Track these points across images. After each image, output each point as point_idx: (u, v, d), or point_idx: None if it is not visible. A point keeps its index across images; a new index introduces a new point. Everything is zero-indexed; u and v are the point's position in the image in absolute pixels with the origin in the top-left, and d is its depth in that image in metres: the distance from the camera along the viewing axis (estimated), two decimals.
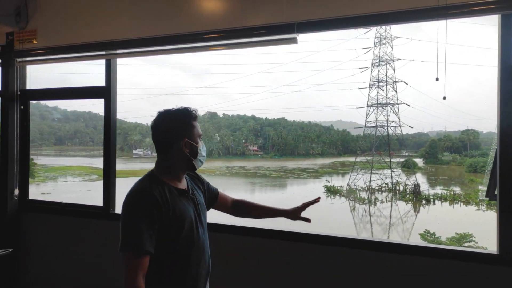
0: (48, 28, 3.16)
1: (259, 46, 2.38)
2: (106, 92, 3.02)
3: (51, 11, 3.15)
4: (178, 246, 1.50)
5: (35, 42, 3.16)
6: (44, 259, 3.24)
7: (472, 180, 27.09)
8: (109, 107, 3.04)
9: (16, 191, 3.31)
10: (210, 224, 2.35)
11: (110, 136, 3.10)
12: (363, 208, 40.83)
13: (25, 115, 3.40)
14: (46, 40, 3.14)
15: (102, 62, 2.93)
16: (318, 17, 2.19)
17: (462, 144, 34.66)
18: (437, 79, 1.97)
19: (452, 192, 26.22)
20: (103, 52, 2.95)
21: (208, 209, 1.81)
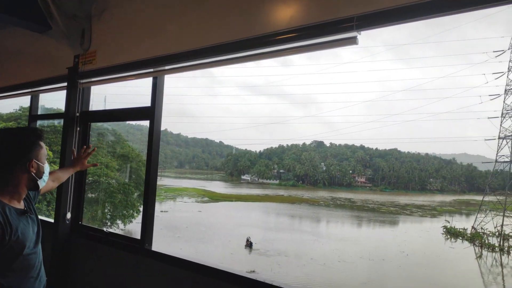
0: (104, 49, 3.08)
1: (309, 51, 1.99)
2: (151, 113, 2.76)
3: (108, 31, 3.08)
4: (17, 265, 1.48)
5: (94, 63, 3.10)
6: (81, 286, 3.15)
7: None
8: (152, 130, 2.73)
9: (69, 215, 3.18)
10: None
11: (151, 162, 2.74)
12: (493, 256, 34.90)
13: (84, 136, 3.28)
14: (103, 61, 3.05)
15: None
16: (384, 6, 1.64)
17: None
18: None
19: None
20: (151, 70, 2.72)
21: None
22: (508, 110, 45.00)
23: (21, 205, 1.57)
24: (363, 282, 23.39)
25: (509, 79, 45.14)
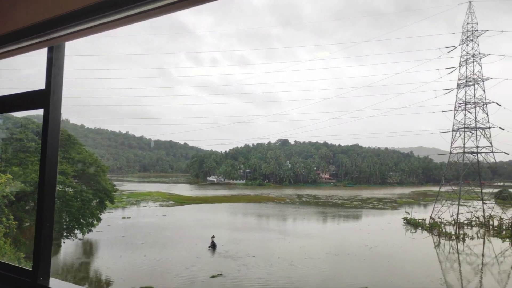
0: None
1: None
2: (45, 98, 2.02)
3: None
4: None
5: None
6: None
7: None
8: (48, 119, 2.00)
9: None
10: None
11: (46, 162, 2.00)
12: (450, 244, 36.74)
13: None
14: None
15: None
16: None
17: None
18: None
19: None
20: (44, 38, 1.95)
21: None
22: (460, 104, 47.60)
23: None
24: (328, 278, 23.75)
25: (461, 73, 47.75)
